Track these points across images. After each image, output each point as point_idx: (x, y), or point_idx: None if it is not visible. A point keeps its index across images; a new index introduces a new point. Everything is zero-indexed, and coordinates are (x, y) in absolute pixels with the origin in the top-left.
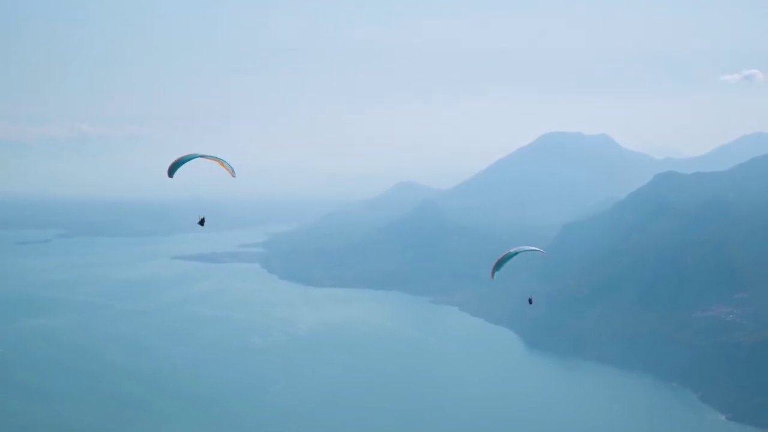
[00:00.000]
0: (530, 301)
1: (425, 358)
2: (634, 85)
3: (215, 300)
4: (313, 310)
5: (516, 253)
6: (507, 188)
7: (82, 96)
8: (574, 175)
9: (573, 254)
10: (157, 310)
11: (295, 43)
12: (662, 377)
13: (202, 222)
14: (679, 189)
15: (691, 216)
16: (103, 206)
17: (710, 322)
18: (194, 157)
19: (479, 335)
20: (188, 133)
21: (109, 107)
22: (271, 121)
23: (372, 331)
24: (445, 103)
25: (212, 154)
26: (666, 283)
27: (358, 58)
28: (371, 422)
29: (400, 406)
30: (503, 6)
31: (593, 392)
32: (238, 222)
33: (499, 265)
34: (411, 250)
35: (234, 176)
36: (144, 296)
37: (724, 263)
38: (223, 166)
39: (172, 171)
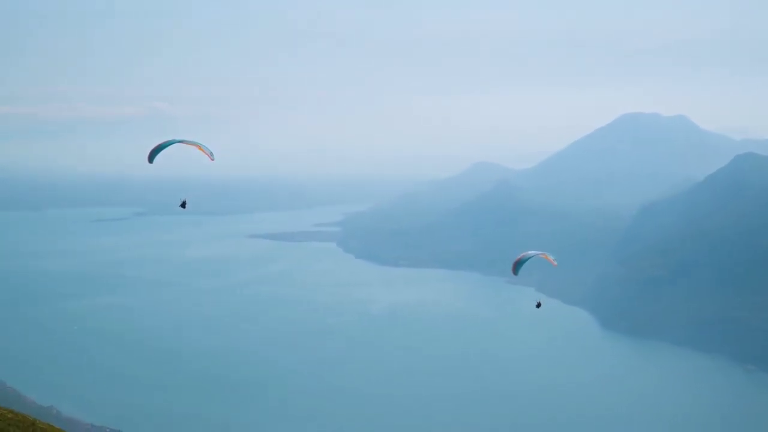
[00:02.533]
0: (538, 305)
1: (497, 339)
2: (713, 66)
3: (291, 279)
4: (388, 290)
5: (531, 257)
6: (584, 168)
7: (159, 77)
8: (651, 155)
9: (650, 235)
10: (230, 289)
11: (363, 30)
12: (738, 360)
13: (183, 204)
14: (758, 170)
15: None
16: (179, 185)
17: None
18: (173, 143)
19: (554, 316)
20: (256, 114)
21: (185, 87)
22: (345, 105)
23: (446, 312)
24: (525, 85)
25: (191, 140)
26: (743, 266)
27: (432, 45)
28: (438, 409)
29: (466, 388)
30: None
31: (667, 373)
32: (314, 201)
33: (518, 265)
34: (487, 230)
35: (213, 160)
36: (218, 275)
37: None
38: (202, 150)
39: (151, 157)
